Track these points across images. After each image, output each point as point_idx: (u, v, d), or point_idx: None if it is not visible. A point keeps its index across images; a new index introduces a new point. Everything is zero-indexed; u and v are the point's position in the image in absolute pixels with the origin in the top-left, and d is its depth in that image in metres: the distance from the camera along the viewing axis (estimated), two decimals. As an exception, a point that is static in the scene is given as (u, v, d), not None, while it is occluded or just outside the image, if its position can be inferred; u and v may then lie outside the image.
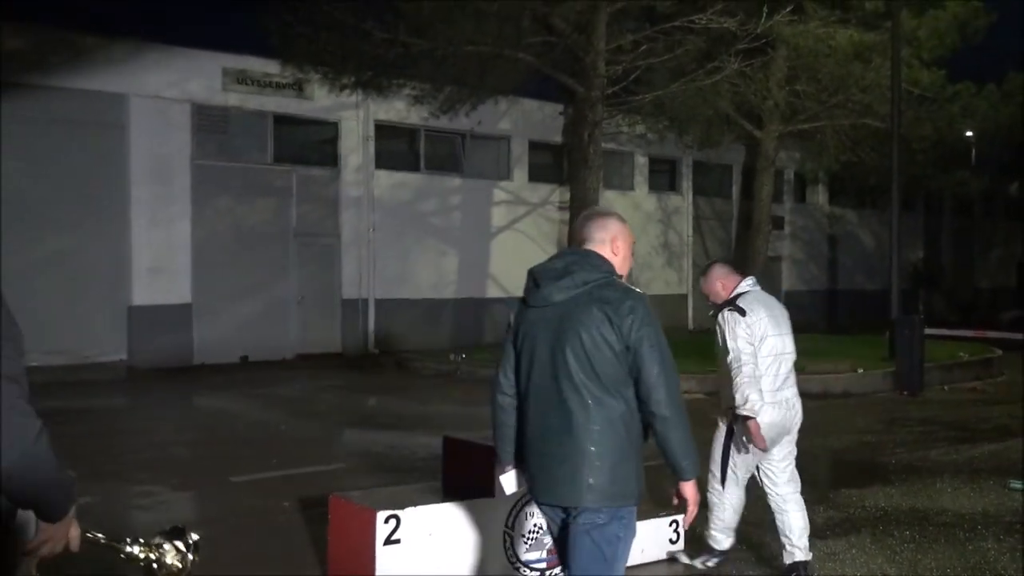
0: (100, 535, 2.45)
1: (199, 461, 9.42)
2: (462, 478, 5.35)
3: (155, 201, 17.36)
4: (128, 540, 2.46)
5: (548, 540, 5.30)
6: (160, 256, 17.37)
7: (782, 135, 22.90)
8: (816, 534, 6.61)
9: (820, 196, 31.17)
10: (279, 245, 19.00)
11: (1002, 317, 26.26)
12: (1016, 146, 26.85)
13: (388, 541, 4.95)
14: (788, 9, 18.48)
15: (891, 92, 16.78)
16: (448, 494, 5.30)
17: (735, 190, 28.22)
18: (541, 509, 3.72)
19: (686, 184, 26.81)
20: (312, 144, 20.09)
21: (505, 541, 5.18)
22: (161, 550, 2.50)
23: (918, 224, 34.28)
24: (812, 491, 7.92)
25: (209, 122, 18.13)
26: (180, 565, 2.48)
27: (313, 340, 19.11)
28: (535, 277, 3.60)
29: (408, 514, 5.00)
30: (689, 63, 18.10)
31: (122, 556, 2.47)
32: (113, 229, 16.94)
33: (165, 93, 17.39)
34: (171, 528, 2.56)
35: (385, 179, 20.34)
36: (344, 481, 8.06)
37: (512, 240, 21.78)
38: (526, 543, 5.26)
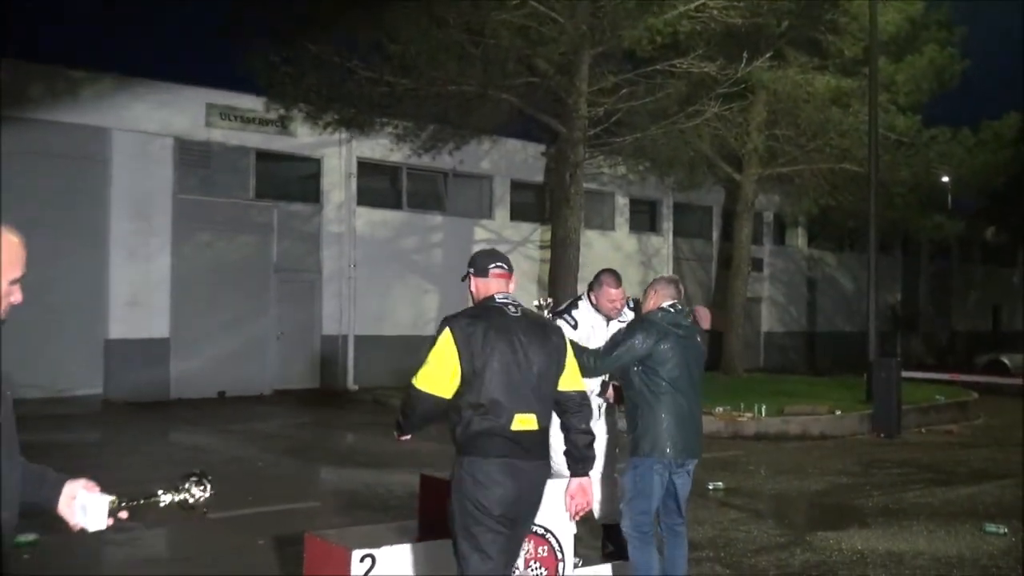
0: (133, 501, 2.88)
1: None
2: (439, 517, 5.32)
3: (135, 235, 17.31)
4: (159, 492, 2.93)
5: (524, 580, 5.27)
6: (139, 290, 17.29)
7: (761, 178, 23.15)
8: (793, 576, 6.61)
9: (799, 239, 31.43)
10: (259, 280, 18.95)
11: (978, 361, 26.45)
12: (991, 191, 27.22)
13: (363, 580, 4.91)
14: (767, 55, 18.80)
15: (869, 137, 17.02)
16: (425, 533, 5.27)
17: (715, 232, 28.42)
18: (666, 466, 5.19)
19: (666, 225, 26.98)
20: (294, 180, 20.11)
21: None
22: (186, 486, 2.95)
23: (896, 267, 34.60)
24: (789, 533, 7.94)
25: (191, 157, 18.14)
26: (203, 493, 2.93)
27: (291, 376, 19.01)
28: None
29: (384, 553, 4.96)
30: (670, 106, 18.32)
31: (161, 506, 2.89)
32: (92, 262, 16.86)
33: (148, 127, 17.41)
34: (187, 473, 2.99)
35: (367, 216, 20.38)
36: (320, 519, 7.99)
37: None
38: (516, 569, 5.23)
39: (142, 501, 2.84)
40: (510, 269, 4.22)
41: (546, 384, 4.01)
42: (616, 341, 5.34)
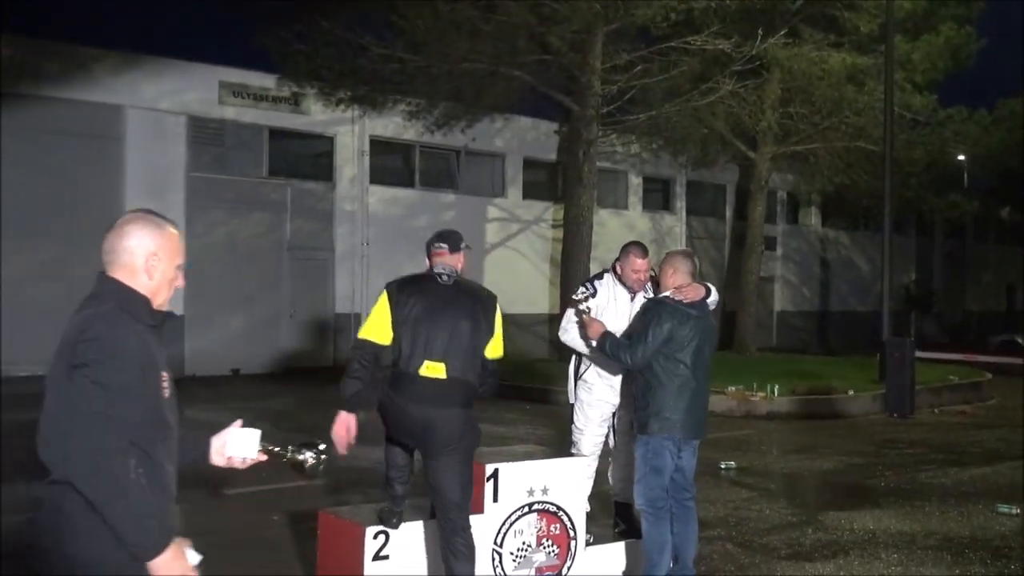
0: (269, 447, 3.20)
1: (189, 473, 9.36)
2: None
3: (149, 212, 17.34)
4: (291, 448, 3.26)
5: (536, 558, 5.31)
6: (153, 268, 17.34)
7: (775, 156, 23.03)
8: (804, 556, 6.63)
9: (813, 218, 31.29)
10: (272, 259, 18.99)
11: (992, 341, 26.34)
12: (1007, 171, 27.02)
13: (377, 557, 4.95)
14: (782, 32, 18.65)
15: (884, 115, 16.90)
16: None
17: (728, 210, 28.31)
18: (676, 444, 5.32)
19: (680, 204, 26.89)
20: (307, 158, 20.12)
21: (494, 559, 5.18)
22: (304, 451, 3.28)
23: (910, 247, 34.42)
24: (801, 512, 7.95)
25: (205, 135, 18.16)
26: (315, 460, 3.27)
27: (304, 354, 19.08)
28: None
29: (397, 530, 5.00)
30: (684, 83, 18.22)
31: (284, 460, 3.25)
32: (107, 240, 16.92)
33: (161, 105, 17.42)
34: (307, 441, 3.34)
35: (379, 194, 20.38)
36: (333, 496, 8.05)
37: (505, 257, 21.82)
38: (514, 560, 5.26)
39: (274, 449, 3.18)
40: (453, 247, 4.95)
41: (459, 340, 4.69)
42: (639, 333, 5.35)
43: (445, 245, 4.97)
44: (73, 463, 2.46)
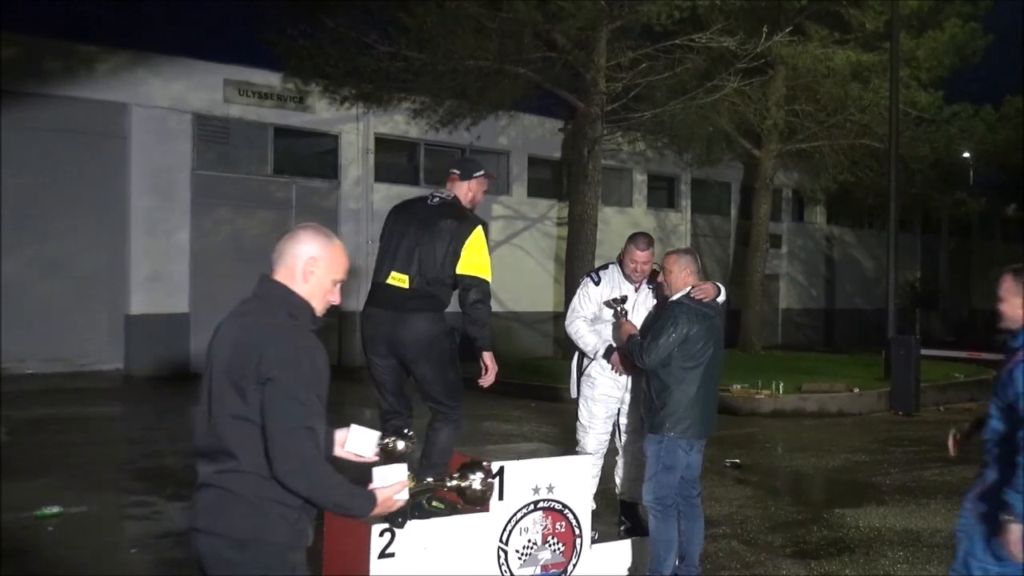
0: (426, 481, 3.40)
1: (194, 472, 9.38)
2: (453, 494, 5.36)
3: (155, 210, 17.38)
4: (450, 476, 3.38)
5: (542, 556, 5.31)
6: (159, 265, 17.38)
7: (781, 154, 23.00)
8: (810, 554, 6.63)
9: (818, 215, 31.25)
10: (278, 256, 19.00)
11: (997, 339, 26.23)
12: (1013, 168, 26.95)
13: (383, 554, 4.95)
14: (787, 30, 18.59)
15: (889, 113, 16.86)
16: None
17: (733, 208, 28.29)
18: (692, 446, 5.35)
19: (685, 202, 26.87)
20: (312, 156, 20.14)
21: (499, 556, 5.19)
22: (470, 478, 3.32)
23: (915, 244, 34.36)
24: (806, 510, 7.95)
25: (210, 133, 18.18)
26: (483, 488, 3.31)
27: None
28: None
29: (402, 529, 5.00)
30: (689, 81, 18.17)
31: (446, 489, 3.34)
32: (112, 238, 16.96)
33: (166, 103, 17.44)
34: (472, 461, 3.41)
35: (384, 192, 20.37)
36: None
37: (510, 255, 21.81)
38: (520, 558, 5.27)
39: (429, 484, 3.40)
40: (465, 175, 5.27)
41: (426, 255, 4.94)
42: (656, 333, 5.34)
43: (457, 171, 5.28)
44: (281, 469, 2.81)
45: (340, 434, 3.35)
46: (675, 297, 5.43)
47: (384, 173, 20.47)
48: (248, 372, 2.83)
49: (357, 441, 3.35)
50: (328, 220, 19.75)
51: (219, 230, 18.34)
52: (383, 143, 20.48)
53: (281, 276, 3.03)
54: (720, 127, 21.21)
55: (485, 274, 5.04)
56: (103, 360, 16.62)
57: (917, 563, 6.46)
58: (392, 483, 3.11)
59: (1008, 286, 4.16)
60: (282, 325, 2.93)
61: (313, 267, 3.00)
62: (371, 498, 3.02)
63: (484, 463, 3.39)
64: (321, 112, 19.27)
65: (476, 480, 3.32)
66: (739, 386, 14.38)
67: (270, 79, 18.66)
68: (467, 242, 5.00)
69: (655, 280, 5.93)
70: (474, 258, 5.02)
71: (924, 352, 15.14)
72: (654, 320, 5.59)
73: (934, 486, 9.00)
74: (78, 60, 16.62)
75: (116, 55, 17.12)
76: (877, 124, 20.45)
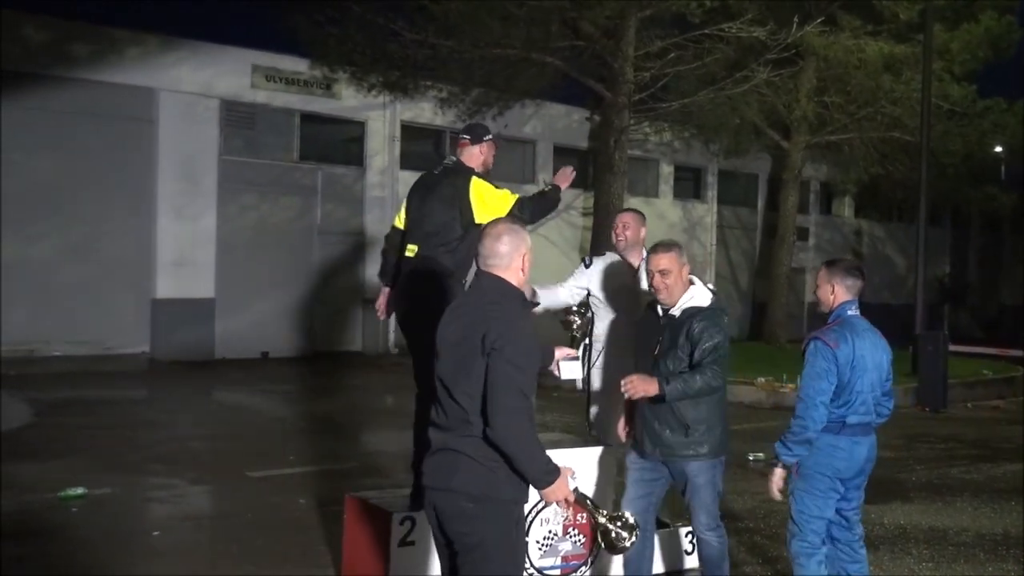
0: (589, 499, 3.71)
1: (217, 455, 9.45)
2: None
3: (181, 195, 17.46)
4: (603, 512, 3.67)
5: (562, 547, 5.28)
6: (185, 250, 17.47)
7: (809, 146, 22.78)
8: (833, 550, 6.55)
9: (846, 208, 30.96)
10: (303, 243, 19.06)
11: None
12: (1046, 163, 26.57)
13: (403, 543, 4.94)
14: (819, 20, 18.37)
15: (921, 106, 16.65)
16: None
17: (760, 200, 28.06)
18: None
19: (711, 193, 26.67)
20: (338, 143, 20.15)
21: (519, 546, 5.16)
22: (619, 523, 3.61)
23: (945, 239, 33.98)
24: (830, 506, 7.86)
25: (237, 118, 18.23)
26: (628, 536, 3.60)
27: (334, 338, 19.15)
28: None
29: (424, 516, 4.98)
30: (718, 71, 18.00)
31: (597, 520, 3.64)
32: (139, 222, 17.06)
33: (194, 88, 17.49)
34: (621, 512, 3.75)
35: (410, 180, 20.09)
36: (360, 480, 8.07)
37: (535, 244, 21.06)
38: (540, 549, 5.24)
39: (588, 504, 3.69)
40: (475, 139, 5.38)
41: (428, 222, 5.17)
42: (720, 346, 4.59)
43: (467, 136, 5.40)
44: (494, 422, 3.24)
45: (559, 353, 4.23)
46: (699, 302, 4.66)
47: (410, 161, 20.43)
48: (474, 346, 3.32)
49: (567, 368, 4.25)
50: (353, 207, 19.79)
51: (245, 215, 18.40)
52: (409, 131, 20.45)
53: (504, 273, 3.54)
54: (749, 118, 21.01)
55: (506, 207, 5.15)
56: (128, 344, 16.73)
57: (943, 562, 6.37)
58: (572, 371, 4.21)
59: None
60: (505, 309, 3.42)
61: (525, 262, 3.63)
62: (557, 471, 3.39)
63: (632, 519, 3.66)
64: (347, 99, 19.27)
65: (623, 535, 3.60)
66: (764, 379, 14.27)
67: (297, 65, 18.67)
68: (470, 196, 5.11)
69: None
70: (488, 203, 5.12)
71: (952, 348, 14.98)
72: (708, 333, 4.61)
73: (961, 484, 8.89)
74: (107, 45, 16.68)
75: (145, 40, 17.18)
76: (908, 117, 20.20)
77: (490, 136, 5.40)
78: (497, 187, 5.31)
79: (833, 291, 4.86)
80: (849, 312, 4.82)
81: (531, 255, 3.61)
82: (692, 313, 4.64)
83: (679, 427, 4.65)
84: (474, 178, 5.19)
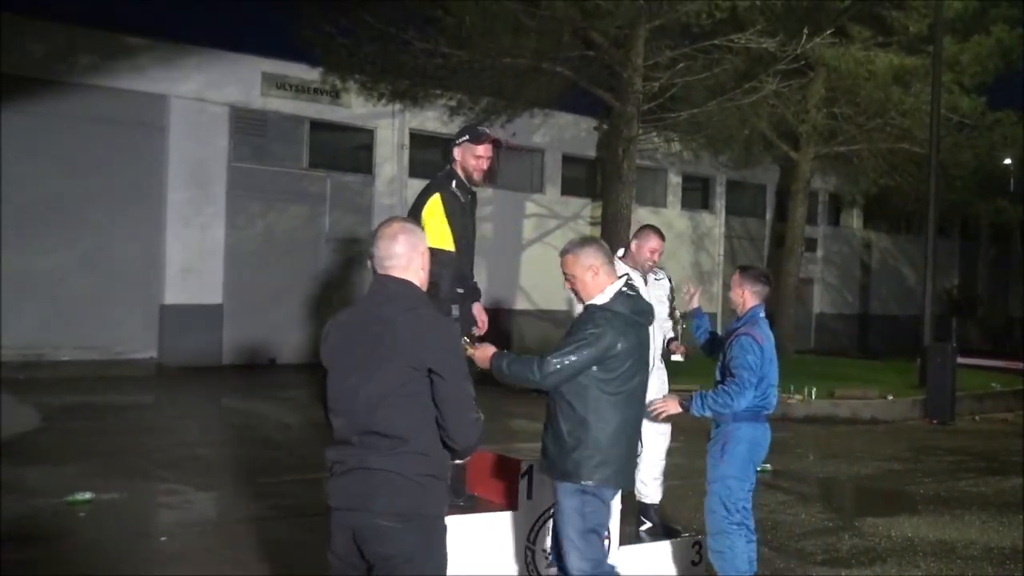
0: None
1: (224, 461, 9.46)
2: (486, 490, 5.34)
3: (191, 202, 17.53)
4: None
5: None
6: (193, 257, 17.53)
7: (818, 157, 22.77)
8: (841, 562, 6.54)
9: (855, 219, 30.91)
10: (311, 250, 19.11)
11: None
12: (1056, 176, 26.50)
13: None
14: (829, 31, 18.36)
15: (931, 117, 16.62)
16: (471, 506, 5.28)
17: (768, 211, 28.05)
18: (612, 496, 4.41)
19: (719, 203, 26.67)
20: (347, 151, 20.21)
21: (527, 556, 5.16)
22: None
23: (953, 250, 33.90)
24: (837, 518, 7.85)
25: (247, 126, 18.30)
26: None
27: (341, 345, 19.15)
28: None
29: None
30: (727, 82, 18.01)
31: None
32: (148, 228, 17.13)
33: (204, 95, 17.58)
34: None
35: (418, 188, 20.24)
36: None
37: (542, 253, 21.76)
38: (548, 558, 5.23)
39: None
40: (455, 141, 5.30)
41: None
42: (571, 345, 4.16)
43: (455, 140, 5.30)
44: (461, 443, 3.24)
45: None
46: (597, 301, 4.24)
47: (419, 169, 20.47)
48: (401, 359, 3.20)
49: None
50: (362, 215, 19.83)
51: (253, 223, 18.46)
52: (418, 139, 20.51)
53: (405, 275, 3.37)
54: (758, 129, 21.01)
55: (436, 243, 4.66)
56: (137, 349, 16.79)
57: (951, 575, 6.34)
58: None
59: None
60: (425, 318, 3.30)
61: (423, 260, 3.46)
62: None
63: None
64: (357, 107, 19.33)
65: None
66: (771, 390, 14.22)
67: (307, 73, 18.74)
68: (422, 212, 5.02)
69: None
70: (427, 227, 4.70)
71: (960, 360, 14.90)
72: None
73: (969, 497, 8.85)
74: (118, 51, 16.78)
75: (156, 47, 17.28)
76: (918, 129, 20.18)
77: (465, 138, 5.11)
78: (451, 222, 4.96)
79: (743, 295, 5.26)
80: (760, 315, 5.28)
81: (428, 254, 3.40)
82: (590, 308, 4.28)
83: (555, 440, 4.27)
84: (434, 197, 5.03)
